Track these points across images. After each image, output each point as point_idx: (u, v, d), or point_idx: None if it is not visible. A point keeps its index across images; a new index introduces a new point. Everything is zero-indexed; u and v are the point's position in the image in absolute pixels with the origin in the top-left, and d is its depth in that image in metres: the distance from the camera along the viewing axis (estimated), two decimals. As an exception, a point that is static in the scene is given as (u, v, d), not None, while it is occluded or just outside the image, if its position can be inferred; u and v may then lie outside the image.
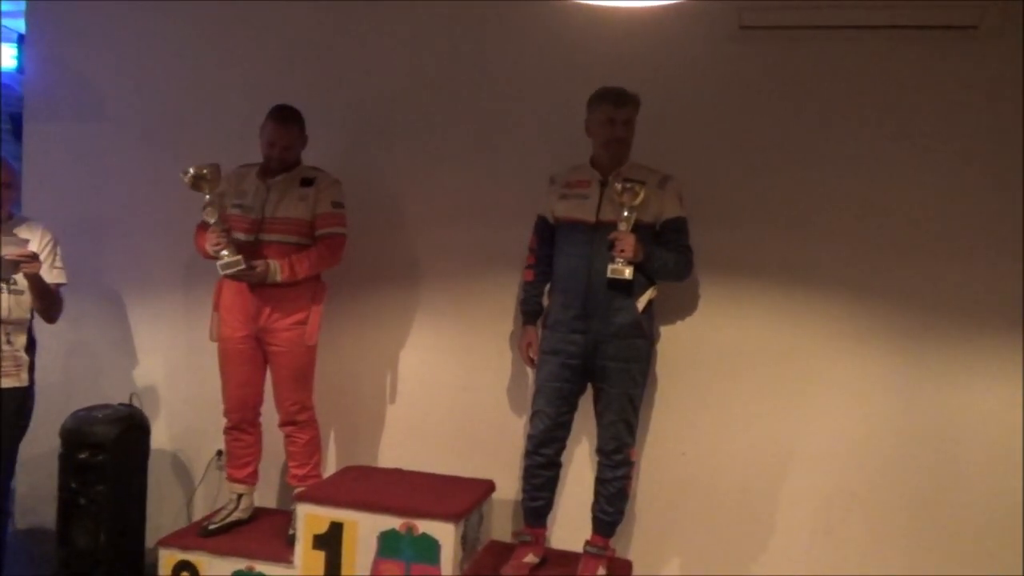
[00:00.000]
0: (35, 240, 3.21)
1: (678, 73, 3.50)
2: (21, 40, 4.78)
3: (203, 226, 3.41)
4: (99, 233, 4.11)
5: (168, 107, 4.02)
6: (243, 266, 3.20)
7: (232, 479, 3.54)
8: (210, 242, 3.22)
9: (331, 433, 3.87)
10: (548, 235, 3.31)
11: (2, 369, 3.12)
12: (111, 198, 4.10)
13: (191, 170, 3.19)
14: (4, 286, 3.11)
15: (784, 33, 3.41)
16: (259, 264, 3.24)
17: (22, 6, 4.25)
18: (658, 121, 3.36)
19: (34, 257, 3.06)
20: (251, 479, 3.55)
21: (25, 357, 3.23)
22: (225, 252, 3.18)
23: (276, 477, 3.89)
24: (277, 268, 3.25)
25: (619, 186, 3.06)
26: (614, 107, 3.13)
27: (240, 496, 3.54)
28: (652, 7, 3.21)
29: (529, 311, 3.37)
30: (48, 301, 3.24)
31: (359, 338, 3.85)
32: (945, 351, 3.35)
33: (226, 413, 3.48)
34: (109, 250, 4.11)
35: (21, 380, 3.21)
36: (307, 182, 3.38)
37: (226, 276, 3.23)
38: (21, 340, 3.20)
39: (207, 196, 3.21)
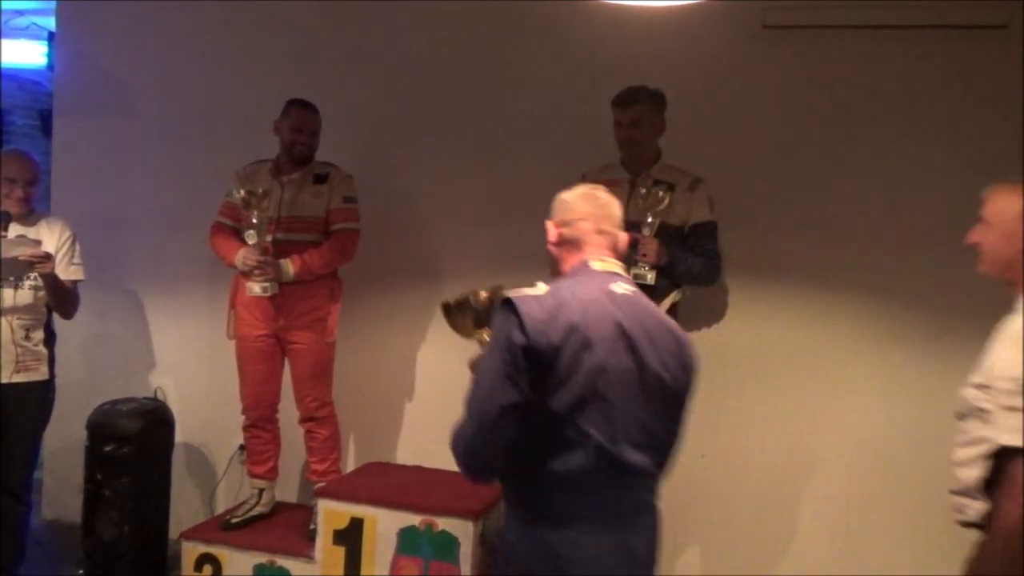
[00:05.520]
0: (54, 236, 3.23)
1: (701, 73, 3.49)
2: (51, 38, 4.84)
3: (220, 227, 3.43)
4: (125, 228, 4.17)
5: (194, 104, 4.06)
6: (277, 291, 3.24)
7: (253, 475, 3.58)
8: (248, 264, 3.22)
9: (350, 430, 3.89)
10: None
11: (23, 364, 3.16)
12: (137, 194, 4.15)
13: (243, 191, 3.21)
14: (24, 283, 3.13)
15: (807, 33, 3.39)
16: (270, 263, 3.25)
17: (52, 4, 4.30)
18: (680, 121, 3.34)
19: (47, 257, 3.07)
20: (271, 474, 3.59)
21: (44, 351, 3.26)
22: (266, 284, 3.21)
23: (296, 472, 3.93)
24: (288, 264, 3.26)
25: (644, 190, 3.05)
26: (619, 109, 3.13)
27: (261, 491, 3.58)
28: (675, 6, 3.20)
29: None
30: (63, 298, 3.25)
31: (379, 336, 3.87)
32: (967, 354, 3.27)
33: (245, 411, 3.51)
34: (135, 245, 4.16)
35: (41, 374, 3.25)
36: (320, 178, 3.40)
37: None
38: (40, 335, 3.23)
39: (254, 218, 3.21)
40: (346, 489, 3.37)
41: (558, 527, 1.76)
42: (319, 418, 3.46)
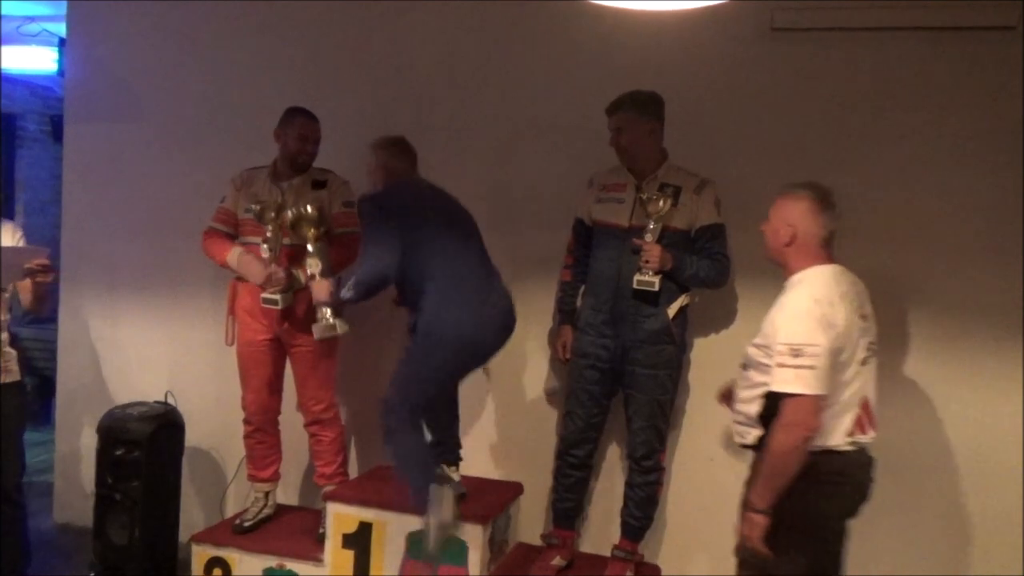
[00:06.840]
0: (9, 238, 3.18)
1: (709, 75, 3.48)
2: (62, 44, 4.88)
3: (215, 233, 3.44)
4: (135, 233, 4.18)
5: (203, 110, 4.08)
6: (291, 301, 3.27)
7: (258, 479, 3.58)
8: (267, 279, 3.24)
9: (353, 434, 3.90)
10: (585, 237, 3.31)
11: (2, 366, 3.13)
12: (148, 198, 4.16)
13: (257, 206, 3.25)
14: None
15: (816, 35, 3.38)
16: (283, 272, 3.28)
17: (63, 11, 4.33)
18: (689, 123, 3.34)
19: (47, 268, 3.05)
20: (276, 476, 3.61)
21: (13, 352, 3.22)
22: (284, 295, 3.24)
23: (297, 475, 3.94)
24: (300, 273, 3.28)
25: (643, 196, 3.05)
26: (607, 117, 3.13)
27: (267, 493, 3.60)
28: (683, 9, 3.19)
29: (566, 311, 3.38)
30: (47, 300, 3.24)
31: (386, 337, 3.86)
32: (975, 356, 3.29)
33: (248, 417, 3.51)
34: (145, 249, 4.17)
35: (16, 374, 3.20)
36: (319, 184, 3.41)
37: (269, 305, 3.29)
38: (6, 336, 3.18)
39: (268, 231, 3.24)
40: (355, 493, 3.38)
41: (425, 293, 2.99)
42: (324, 421, 3.46)
